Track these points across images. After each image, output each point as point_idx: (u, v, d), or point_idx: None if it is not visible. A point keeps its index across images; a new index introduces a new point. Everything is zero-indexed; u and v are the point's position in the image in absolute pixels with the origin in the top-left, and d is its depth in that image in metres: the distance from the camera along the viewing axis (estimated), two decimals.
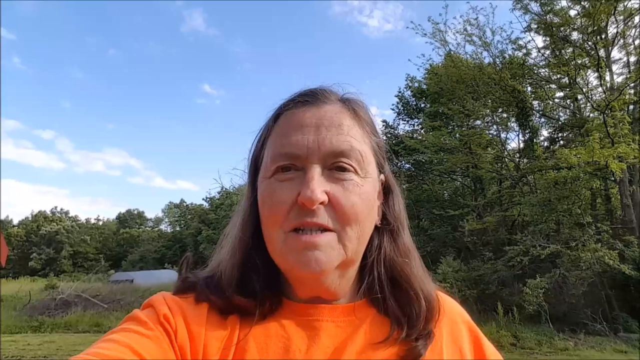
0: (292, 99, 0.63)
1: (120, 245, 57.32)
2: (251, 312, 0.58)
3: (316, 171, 0.56)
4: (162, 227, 64.69)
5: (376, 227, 0.64)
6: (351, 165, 0.57)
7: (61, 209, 62.75)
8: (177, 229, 56.75)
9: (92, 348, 0.49)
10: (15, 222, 59.18)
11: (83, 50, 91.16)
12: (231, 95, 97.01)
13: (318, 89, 0.64)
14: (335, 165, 0.57)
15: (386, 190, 0.67)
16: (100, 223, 65.30)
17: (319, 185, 0.54)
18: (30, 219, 58.73)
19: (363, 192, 0.58)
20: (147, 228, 64.14)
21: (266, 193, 0.58)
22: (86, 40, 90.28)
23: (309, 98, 0.62)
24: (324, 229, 0.55)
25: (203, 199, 49.27)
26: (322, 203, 0.54)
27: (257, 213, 0.61)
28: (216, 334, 0.56)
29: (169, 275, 28.37)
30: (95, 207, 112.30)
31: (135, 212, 68.58)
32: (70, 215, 63.15)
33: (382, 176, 0.66)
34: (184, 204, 60.17)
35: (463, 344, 0.65)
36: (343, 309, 0.61)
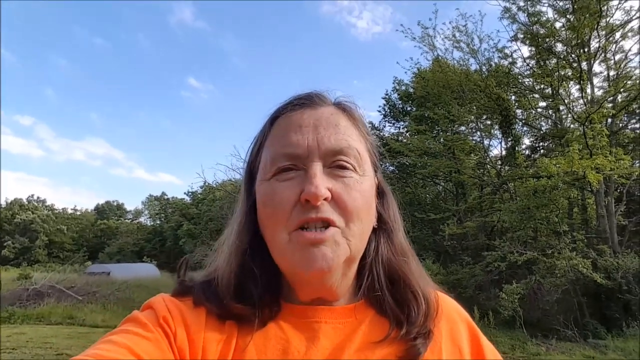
0: (288, 102, 0.64)
1: (97, 236, 56.24)
2: (250, 320, 0.58)
3: (318, 168, 0.56)
4: (142, 219, 63.72)
5: (373, 228, 0.64)
6: (350, 163, 0.59)
7: (38, 198, 61.19)
8: (157, 222, 56.00)
9: (91, 349, 0.49)
10: None
11: (68, 38, 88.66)
12: (218, 89, 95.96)
13: (313, 93, 0.65)
14: (335, 163, 0.58)
15: (380, 192, 0.68)
16: (78, 213, 63.91)
17: (322, 181, 0.55)
18: (4, 206, 57.10)
19: (363, 189, 0.59)
20: (126, 220, 63.08)
21: (267, 194, 0.58)
22: (71, 28, 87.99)
23: (305, 101, 0.63)
24: (328, 225, 0.55)
25: (185, 193, 48.81)
26: (325, 199, 0.55)
27: (254, 219, 0.61)
28: (215, 336, 0.56)
29: (147, 269, 27.99)
30: (74, 197, 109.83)
31: (115, 203, 67.38)
32: (47, 204, 61.65)
33: (376, 177, 0.67)
34: (165, 197, 59.39)
35: (462, 342, 0.65)
36: (342, 310, 0.62)
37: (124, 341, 0.50)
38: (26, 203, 58.17)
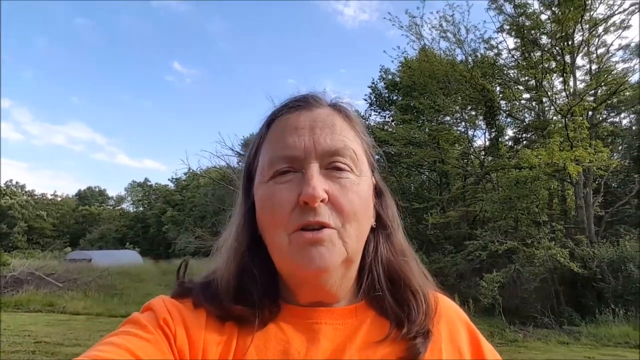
0: (284, 104, 0.64)
1: (78, 222, 55.30)
2: (250, 320, 0.58)
3: (315, 169, 0.57)
4: (125, 206, 62.91)
5: (372, 228, 0.64)
6: (347, 164, 0.59)
7: (17, 183, 59.75)
8: (140, 208, 55.36)
9: (91, 351, 0.49)
10: None
11: (47, 17, 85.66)
12: (202, 74, 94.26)
13: (308, 95, 0.65)
14: (332, 164, 0.58)
15: (378, 192, 0.68)
16: (59, 199, 62.64)
17: (319, 183, 0.55)
18: None
19: (360, 190, 0.59)
20: (109, 206, 62.14)
21: (266, 196, 0.58)
22: (50, 6, 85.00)
23: (301, 103, 0.63)
24: (323, 227, 0.55)
25: (169, 180, 48.32)
26: (322, 201, 0.55)
27: (252, 221, 0.62)
28: (215, 338, 0.57)
29: (129, 255, 27.66)
30: (54, 182, 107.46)
31: (97, 189, 66.24)
32: (27, 189, 60.26)
33: (374, 177, 0.67)
34: (148, 184, 58.65)
35: (462, 344, 0.65)
36: (342, 311, 0.62)
37: (123, 343, 0.50)
38: (4, 188, 56.75)
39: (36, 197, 59.43)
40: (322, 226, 0.55)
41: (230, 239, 0.64)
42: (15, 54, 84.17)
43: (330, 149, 0.58)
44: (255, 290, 0.60)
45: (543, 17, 13.36)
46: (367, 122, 19.06)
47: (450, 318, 0.68)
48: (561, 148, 11.08)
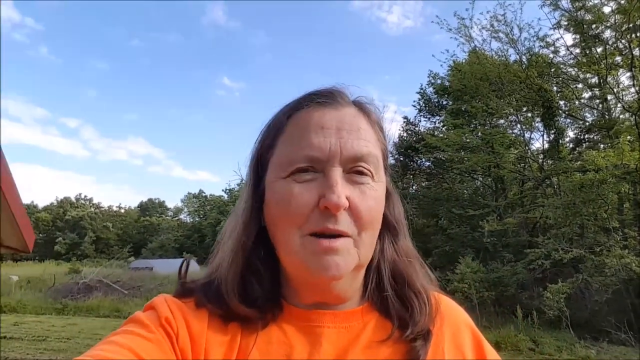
0: (308, 98, 0.61)
1: (140, 233, 58.58)
2: (254, 321, 0.58)
3: (338, 174, 0.55)
4: (182, 216, 65.86)
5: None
6: (369, 170, 0.58)
7: (85, 196, 64.65)
8: (197, 219, 57.70)
9: (94, 350, 0.49)
10: (40, 207, 61.10)
11: (107, 41, 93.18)
12: (250, 88, 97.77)
13: (334, 90, 0.63)
14: (354, 169, 0.57)
15: (387, 193, 0.66)
16: (123, 211, 66.87)
17: (342, 190, 0.54)
18: (55, 204, 60.65)
19: (377, 196, 0.58)
20: (167, 217, 65.38)
21: (283, 193, 0.56)
22: (110, 31, 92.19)
23: (326, 99, 0.60)
24: (340, 235, 0.55)
25: (223, 190, 50.09)
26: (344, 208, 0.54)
27: (260, 215, 0.61)
28: (218, 338, 0.56)
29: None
30: (117, 195, 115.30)
31: (157, 201, 70.00)
32: (94, 202, 64.99)
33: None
34: (203, 195, 61.10)
35: (465, 347, 0.64)
36: (345, 314, 0.61)
37: (126, 342, 0.50)
38: (75, 201, 61.58)
39: (103, 209, 63.85)
40: (338, 234, 0.54)
41: (235, 232, 0.62)
42: (80, 76, 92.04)
43: (356, 155, 0.56)
44: (260, 289, 0.59)
45: (606, 9, 12.51)
46: (416, 129, 18.76)
47: (454, 321, 0.67)
48: (632, 148, 10.23)
